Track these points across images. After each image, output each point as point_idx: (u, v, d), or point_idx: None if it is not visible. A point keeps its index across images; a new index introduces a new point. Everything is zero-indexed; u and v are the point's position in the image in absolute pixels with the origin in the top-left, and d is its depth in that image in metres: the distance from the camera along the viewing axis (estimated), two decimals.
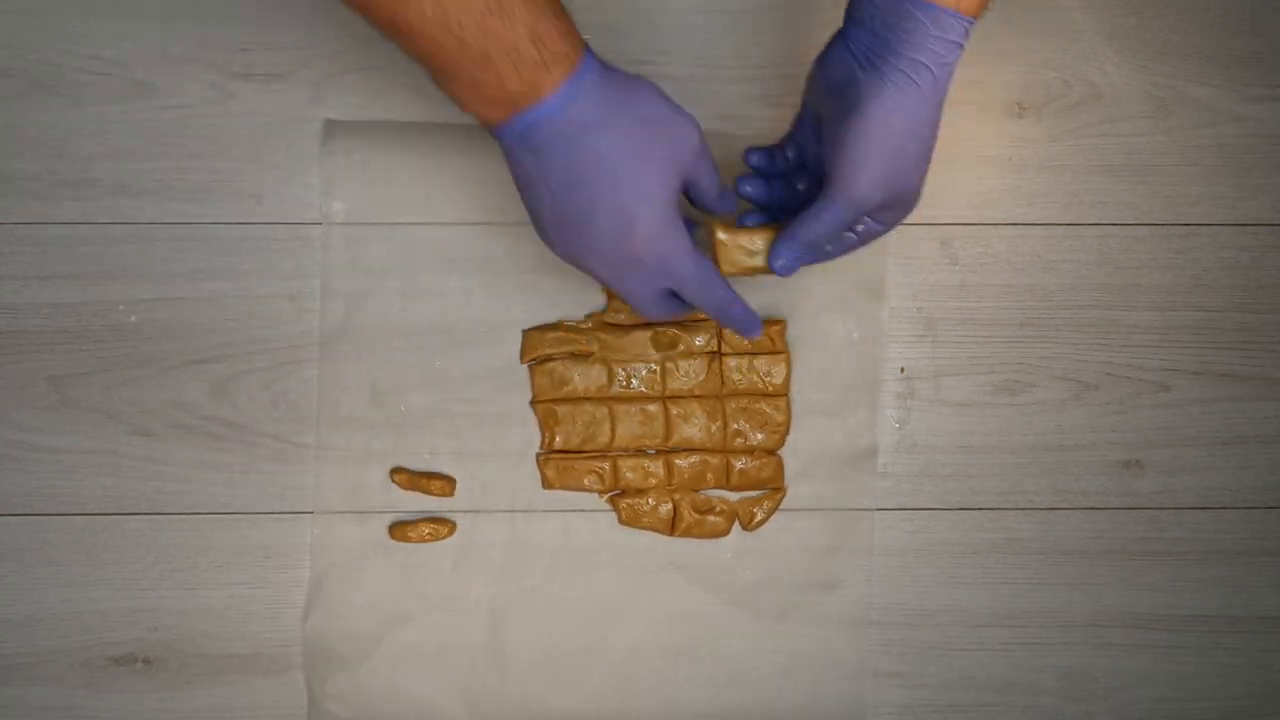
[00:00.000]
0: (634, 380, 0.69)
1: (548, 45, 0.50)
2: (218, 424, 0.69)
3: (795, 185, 0.62)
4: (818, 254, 0.59)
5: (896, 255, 0.70)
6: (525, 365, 0.69)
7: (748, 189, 0.62)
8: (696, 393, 0.69)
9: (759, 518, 0.69)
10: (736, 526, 0.70)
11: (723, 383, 0.69)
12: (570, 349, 0.69)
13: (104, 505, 0.69)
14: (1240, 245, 0.71)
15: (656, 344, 0.69)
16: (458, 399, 0.69)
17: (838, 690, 0.70)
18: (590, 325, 0.69)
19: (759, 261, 0.60)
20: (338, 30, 0.69)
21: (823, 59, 0.56)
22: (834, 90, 0.55)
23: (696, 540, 0.70)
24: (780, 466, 0.69)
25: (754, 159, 0.63)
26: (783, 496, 0.70)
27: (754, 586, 0.70)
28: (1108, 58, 0.70)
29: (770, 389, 0.69)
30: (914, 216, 0.70)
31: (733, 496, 0.70)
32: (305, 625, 0.69)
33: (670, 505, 0.69)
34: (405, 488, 0.69)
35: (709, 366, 0.69)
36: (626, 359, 0.69)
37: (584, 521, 0.70)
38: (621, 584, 0.70)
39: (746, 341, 0.69)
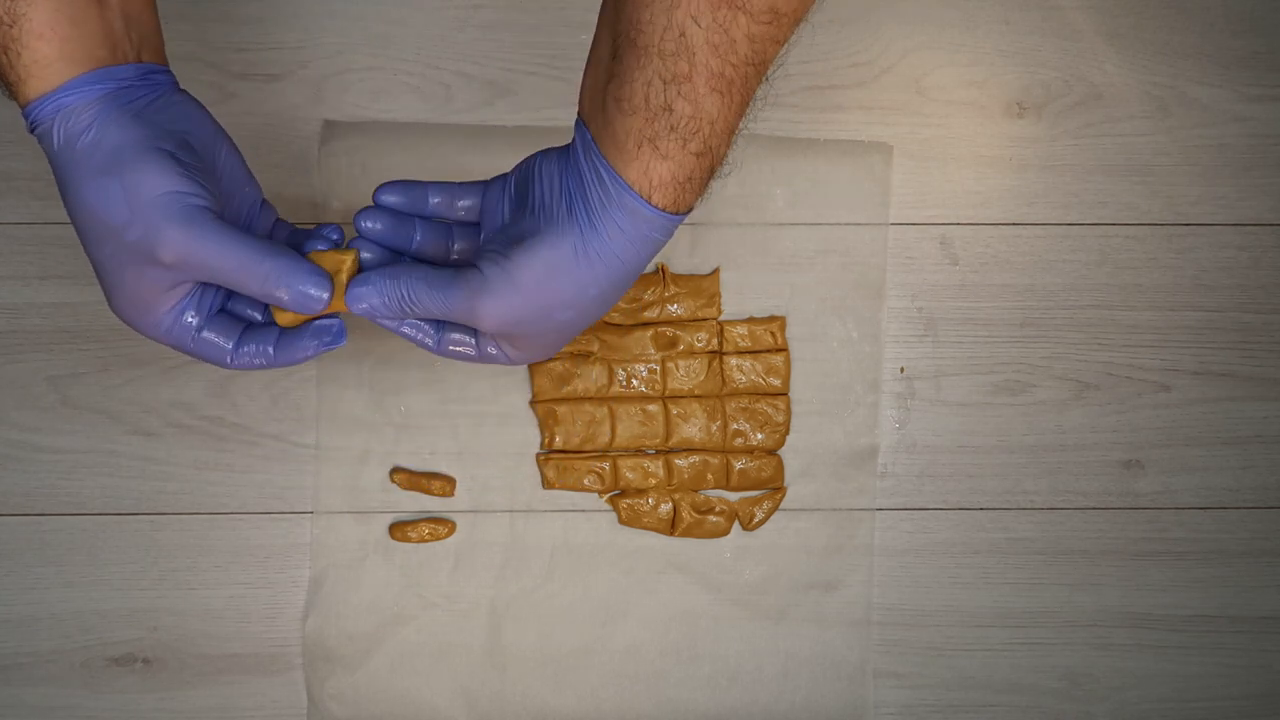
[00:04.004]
0: (634, 380, 0.69)
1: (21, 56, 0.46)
2: (217, 424, 0.69)
3: (449, 242, 0.54)
4: (402, 323, 0.51)
5: (896, 255, 0.70)
6: (525, 365, 0.69)
7: (366, 224, 0.52)
8: (696, 392, 0.69)
9: (759, 518, 0.69)
10: (736, 526, 0.70)
11: (723, 382, 0.69)
12: (570, 348, 0.69)
13: (103, 505, 0.69)
14: (1240, 245, 0.71)
15: (656, 343, 0.69)
16: (457, 399, 0.69)
17: (838, 690, 0.70)
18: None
19: (341, 278, 0.50)
20: (338, 30, 0.69)
21: (545, 157, 0.50)
22: (533, 190, 0.50)
23: (696, 540, 0.70)
24: (780, 466, 0.69)
25: (387, 196, 0.53)
26: (783, 496, 0.70)
27: (754, 586, 0.70)
28: (1108, 58, 0.70)
29: (770, 388, 0.69)
30: (914, 216, 0.70)
31: (733, 496, 0.70)
32: (305, 625, 0.69)
33: (670, 505, 0.69)
34: (405, 488, 0.69)
35: (709, 366, 0.69)
36: (627, 358, 0.69)
37: (584, 521, 0.70)
38: (621, 584, 0.69)
39: (746, 341, 0.69)
